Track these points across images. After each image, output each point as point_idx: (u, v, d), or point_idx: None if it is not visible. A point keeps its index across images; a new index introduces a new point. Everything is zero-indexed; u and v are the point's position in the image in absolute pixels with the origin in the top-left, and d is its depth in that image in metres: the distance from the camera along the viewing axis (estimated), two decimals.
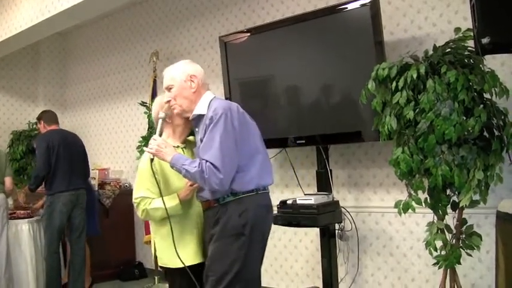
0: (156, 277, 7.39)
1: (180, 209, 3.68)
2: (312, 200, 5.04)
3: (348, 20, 5.11)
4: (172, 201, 3.65)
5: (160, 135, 3.72)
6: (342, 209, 5.36)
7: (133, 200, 3.76)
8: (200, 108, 3.64)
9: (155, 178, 3.63)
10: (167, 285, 7.16)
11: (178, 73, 3.70)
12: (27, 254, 7.01)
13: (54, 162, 6.43)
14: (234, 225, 3.51)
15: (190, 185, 3.67)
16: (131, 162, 8.38)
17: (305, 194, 5.50)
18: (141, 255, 8.37)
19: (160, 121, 3.72)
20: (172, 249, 3.61)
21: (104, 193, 8.04)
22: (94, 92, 9.48)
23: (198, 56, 7.29)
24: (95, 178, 8.15)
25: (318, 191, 5.47)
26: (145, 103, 7.21)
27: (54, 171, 6.45)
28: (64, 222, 6.47)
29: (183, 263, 3.63)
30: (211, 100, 3.66)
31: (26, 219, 7.15)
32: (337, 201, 5.31)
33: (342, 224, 5.50)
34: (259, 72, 5.91)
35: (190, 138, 3.98)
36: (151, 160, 3.62)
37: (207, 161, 3.40)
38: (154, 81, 7.34)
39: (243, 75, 6.03)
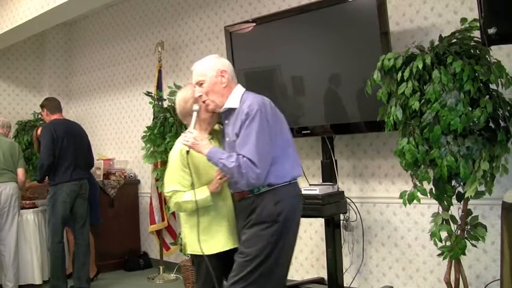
0: (160, 267, 7.42)
1: (211, 201, 3.77)
2: (317, 191, 5.05)
3: (353, 10, 5.09)
4: (203, 194, 3.74)
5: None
6: (347, 200, 5.37)
7: (165, 194, 3.89)
8: (232, 102, 3.71)
9: (189, 170, 3.73)
10: (172, 275, 7.26)
11: (208, 68, 3.75)
12: (32, 243, 7.04)
13: (58, 152, 6.42)
14: (270, 213, 3.60)
15: (220, 178, 3.75)
16: (136, 153, 8.38)
17: (310, 185, 5.50)
18: (145, 245, 8.38)
19: (194, 114, 3.75)
20: (202, 237, 3.75)
21: (108, 183, 8.05)
22: (99, 82, 9.48)
23: (204, 46, 7.29)
24: (100, 168, 8.16)
25: (323, 181, 5.47)
26: (151, 93, 7.21)
27: (58, 161, 6.43)
28: (67, 212, 6.47)
29: (203, 252, 3.74)
30: (243, 94, 3.74)
31: (31, 209, 7.18)
32: (342, 192, 5.32)
33: (347, 214, 5.50)
34: (265, 62, 5.90)
35: (216, 127, 4.01)
36: (187, 152, 3.68)
37: (244, 156, 3.49)
38: (160, 71, 7.35)
39: (248, 65, 6.02)
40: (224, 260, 3.79)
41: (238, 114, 3.64)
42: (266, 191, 3.63)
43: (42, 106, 6.96)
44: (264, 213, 3.61)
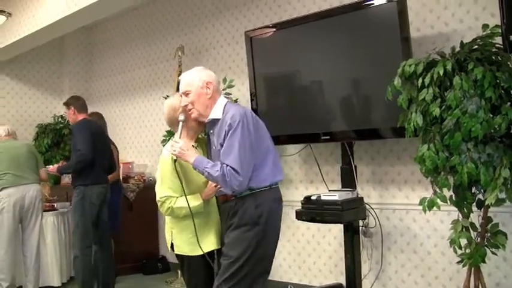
0: (179, 271, 7.42)
1: (202, 208, 3.96)
2: (336, 196, 5.04)
3: (374, 16, 5.08)
4: (196, 201, 3.93)
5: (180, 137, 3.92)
6: (366, 206, 5.35)
7: (158, 199, 4.02)
8: (215, 113, 3.91)
9: (179, 178, 3.88)
10: None
11: (195, 80, 3.93)
12: (51, 246, 7.07)
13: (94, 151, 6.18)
14: (251, 216, 3.80)
15: (215, 186, 3.91)
16: (155, 156, 8.41)
17: (329, 190, 5.49)
18: (164, 249, 8.38)
19: (180, 124, 3.92)
20: (191, 239, 3.97)
21: (128, 187, 8.07)
22: (119, 86, 9.53)
23: (223, 51, 7.30)
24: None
25: (342, 187, 5.46)
26: None
27: (93, 161, 6.19)
28: (95, 215, 6.32)
29: (202, 251, 3.95)
30: (225, 105, 3.92)
31: (51, 212, 7.20)
32: (362, 198, 5.30)
33: (366, 220, 5.49)
34: (285, 67, 5.90)
35: (199, 136, 4.20)
36: (175, 161, 3.85)
37: (227, 165, 3.69)
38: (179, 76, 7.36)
39: (268, 70, 6.03)
40: (211, 259, 4.02)
41: (222, 124, 3.83)
42: (247, 195, 3.82)
43: (68, 104, 6.60)
44: (245, 216, 3.81)
